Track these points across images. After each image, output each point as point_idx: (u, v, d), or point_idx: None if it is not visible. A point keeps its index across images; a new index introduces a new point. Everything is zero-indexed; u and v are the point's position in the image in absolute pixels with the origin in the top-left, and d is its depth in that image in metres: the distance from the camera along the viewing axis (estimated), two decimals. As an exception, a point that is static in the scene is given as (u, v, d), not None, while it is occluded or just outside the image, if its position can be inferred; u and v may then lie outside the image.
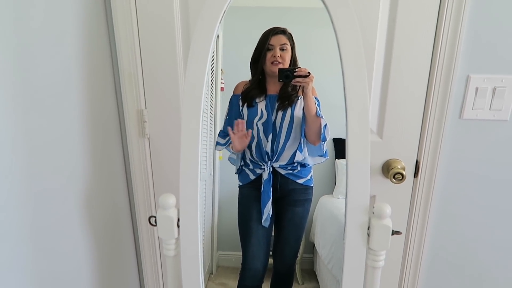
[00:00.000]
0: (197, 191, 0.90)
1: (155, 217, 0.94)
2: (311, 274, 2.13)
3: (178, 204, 0.93)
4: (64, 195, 0.96)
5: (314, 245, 2.02)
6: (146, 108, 1.22)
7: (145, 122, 1.22)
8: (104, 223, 1.15)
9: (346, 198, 0.91)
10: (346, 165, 0.90)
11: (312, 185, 1.47)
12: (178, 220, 0.93)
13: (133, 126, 1.22)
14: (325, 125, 1.28)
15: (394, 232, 0.90)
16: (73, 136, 0.99)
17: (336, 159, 1.90)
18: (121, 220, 1.28)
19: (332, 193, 1.93)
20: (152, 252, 1.36)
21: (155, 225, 0.94)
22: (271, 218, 1.40)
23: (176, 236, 0.94)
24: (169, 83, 1.19)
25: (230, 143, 1.40)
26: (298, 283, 2.09)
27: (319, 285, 2.01)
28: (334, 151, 1.91)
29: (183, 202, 0.91)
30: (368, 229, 0.90)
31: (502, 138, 1.14)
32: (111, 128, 1.20)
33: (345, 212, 0.91)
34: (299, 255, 1.97)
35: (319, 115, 1.28)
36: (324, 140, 1.31)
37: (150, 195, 1.29)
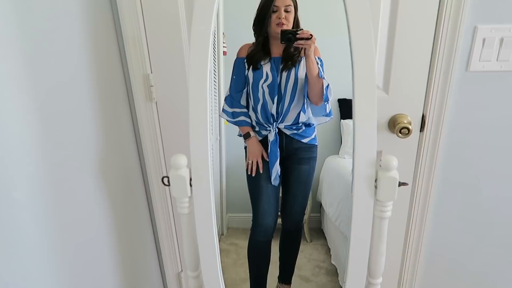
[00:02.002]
0: (207, 149, 0.93)
1: (168, 177, 0.97)
2: (319, 232, 2.20)
3: (190, 164, 0.95)
4: (79, 161, 0.98)
5: (321, 204, 2.07)
6: (152, 73, 1.22)
7: (151, 86, 1.22)
8: (118, 187, 1.19)
9: (353, 152, 0.93)
10: (353, 120, 0.91)
11: (316, 143, 1.50)
12: (190, 179, 0.96)
13: (140, 90, 1.23)
14: (327, 86, 1.29)
15: (401, 184, 0.92)
16: (84, 103, 1.01)
17: (342, 120, 1.91)
18: (134, 182, 1.32)
19: (338, 153, 1.95)
20: (165, 211, 1.41)
21: (168, 185, 0.97)
22: (279, 177, 1.44)
23: (189, 194, 0.97)
24: (173, 45, 1.19)
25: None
26: (307, 241, 2.17)
27: (327, 242, 2.08)
28: (339, 112, 1.92)
29: (194, 161, 0.94)
30: (376, 181, 0.93)
31: (509, 89, 1.14)
32: (118, 93, 1.21)
33: (353, 166, 0.94)
34: (307, 214, 2.03)
35: (321, 76, 1.29)
36: (327, 100, 1.32)
37: (160, 157, 1.32)
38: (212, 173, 0.96)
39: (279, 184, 1.48)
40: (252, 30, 1.38)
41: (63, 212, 0.91)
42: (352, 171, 0.96)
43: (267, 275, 1.63)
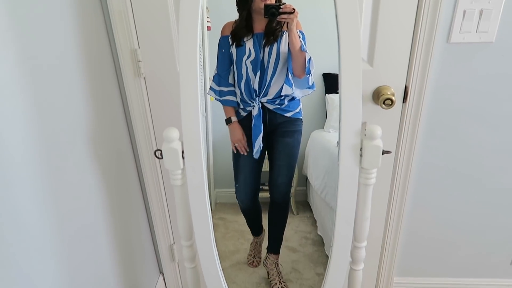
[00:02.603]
0: (198, 122, 0.95)
1: (160, 150, 0.99)
2: (305, 205, 2.26)
3: (181, 137, 0.98)
4: (71, 138, 1.00)
5: (307, 178, 2.12)
6: (139, 48, 1.22)
7: (139, 61, 1.23)
8: (110, 163, 1.21)
9: (340, 122, 0.97)
10: (340, 91, 0.94)
11: (301, 117, 1.54)
12: (183, 152, 0.99)
13: (128, 66, 1.23)
14: (309, 59, 1.33)
15: (385, 152, 0.97)
16: (73, 80, 1.01)
17: (326, 94, 1.94)
18: (125, 158, 1.34)
19: (323, 128, 1.99)
20: (156, 185, 1.45)
21: (161, 158, 1.00)
22: (261, 150, 1.49)
23: (182, 166, 1.00)
24: (160, 19, 1.19)
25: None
26: (293, 214, 2.23)
27: (313, 214, 2.15)
28: (323, 86, 1.94)
29: (186, 133, 0.96)
30: (361, 150, 0.97)
31: (488, 60, 1.18)
32: (106, 69, 1.21)
33: (339, 135, 0.98)
34: (293, 187, 2.08)
35: (304, 50, 1.32)
36: (309, 73, 1.36)
37: (150, 132, 1.35)
38: (203, 144, 0.99)
39: (261, 159, 1.53)
40: (236, 5, 1.39)
41: (57, 190, 0.93)
42: (338, 142, 1.00)
43: (261, 220, 1.78)
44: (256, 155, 1.48)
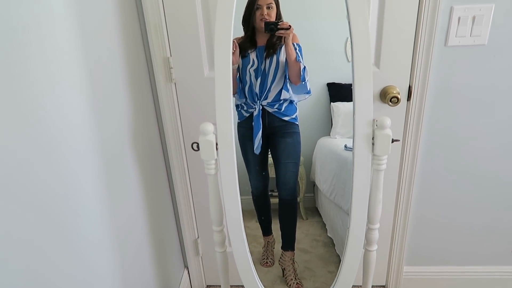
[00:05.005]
0: (231, 117, 1.08)
1: (197, 143, 1.12)
2: (313, 211, 2.34)
3: (215, 130, 1.11)
4: (120, 133, 1.14)
5: (314, 184, 2.22)
6: (171, 56, 1.37)
7: (171, 68, 1.37)
8: (146, 160, 1.34)
9: (353, 115, 1.10)
10: (353, 87, 1.08)
11: (297, 123, 1.69)
12: (217, 143, 1.12)
13: (161, 72, 1.38)
14: (304, 68, 1.49)
15: (394, 140, 1.10)
16: (120, 86, 1.15)
17: (331, 103, 2.07)
18: (156, 155, 1.48)
19: (329, 135, 2.11)
20: (183, 181, 1.59)
21: (197, 150, 1.13)
22: (264, 150, 1.64)
23: (216, 157, 1.13)
24: (191, 31, 1.34)
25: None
26: (303, 219, 2.32)
27: (321, 219, 2.24)
28: (328, 96, 2.07)
29: (220, 127, 1.09)
30: (373, 139, 1.10)
31: (481, 60, 1.33)
32: (142, 76, 1.35)
33: (353, 127, 1.11)
34: (302, 194, 2.19)
35: (299, 60, 1.48)
36: (304, 80, 1.52)
37: (178, 131, 1.49)
38: (234, 138, 1.12)
39: (263, 152, 1.68)
40: (242, 25, 1.57)
41: (110, 169, 1.06)
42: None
43: (270, 217, 1.90)
44: (256, 150, 1.62)
